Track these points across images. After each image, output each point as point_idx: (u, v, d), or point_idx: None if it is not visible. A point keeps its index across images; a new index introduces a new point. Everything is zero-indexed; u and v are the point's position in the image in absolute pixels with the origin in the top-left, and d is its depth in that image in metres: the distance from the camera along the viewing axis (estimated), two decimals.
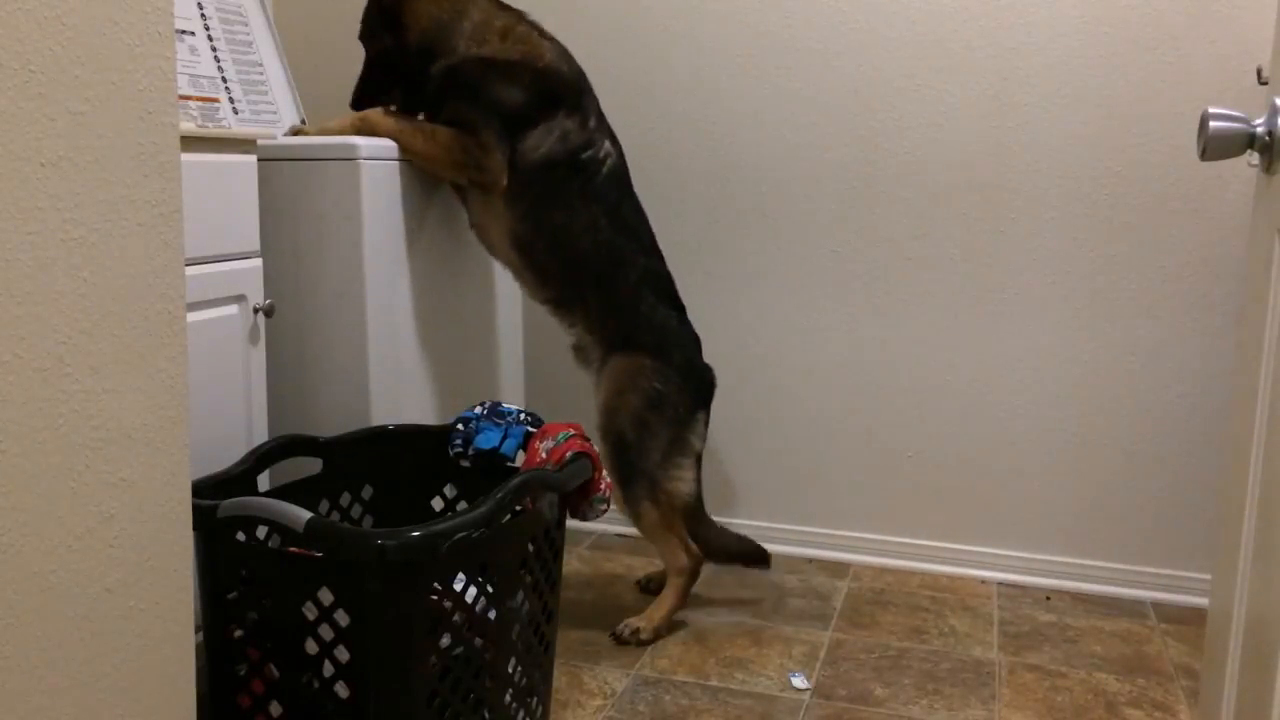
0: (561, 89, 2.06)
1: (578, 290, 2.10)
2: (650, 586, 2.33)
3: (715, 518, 2.26)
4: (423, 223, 2.06)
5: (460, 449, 1.82)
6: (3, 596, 0.93)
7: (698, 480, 2.18)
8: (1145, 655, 2.11)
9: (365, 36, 2.13)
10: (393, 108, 2.09)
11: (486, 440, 1.81)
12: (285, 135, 2.08)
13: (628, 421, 2.07)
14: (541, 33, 2.10)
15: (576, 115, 2.06)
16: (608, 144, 2.11)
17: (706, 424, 2.18)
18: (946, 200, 2.40)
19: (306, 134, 2.02)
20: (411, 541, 1.34)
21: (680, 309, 2.18)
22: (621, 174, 2.13)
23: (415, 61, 2.05)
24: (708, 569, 2.22)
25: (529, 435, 1.81)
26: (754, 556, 2.27)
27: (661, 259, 2.17)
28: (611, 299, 2.10)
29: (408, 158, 2.00)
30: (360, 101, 2.11)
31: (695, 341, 2.19)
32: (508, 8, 2.10)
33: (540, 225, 2.04)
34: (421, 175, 2.05)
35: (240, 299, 1.75)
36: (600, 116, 2.12)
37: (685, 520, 2.15)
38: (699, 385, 2.17)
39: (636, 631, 2.09)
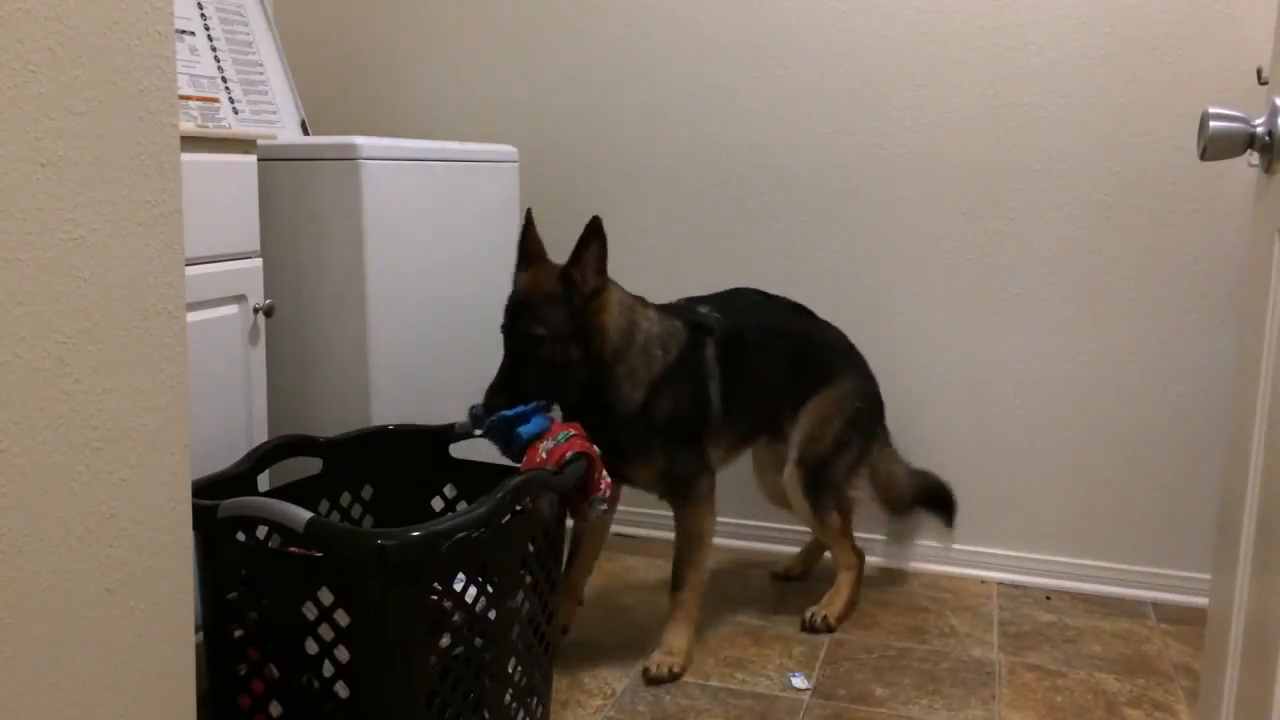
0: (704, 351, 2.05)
1: (782, 404, 2.20)
2: (790, 575, 2.45)
3: (721, 519, 2.20)
4: (423, 222, 2.06)
5: (481, 414, 1.81)
6: (3, 596, 0.93)
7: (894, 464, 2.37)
8: (1145, 655, 2.11)
9: (540, 336, 1.87)
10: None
11: (523, 424, 1.77)
12: None
13: (830, 443, 2.19)
14: (648, 314, 2.00)
15: (713, 343, 2.05)
16: (718, 314, 2.10)
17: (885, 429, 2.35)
18: (946, 200, 2.40)
19: None
20: (411, 541, 1.34)
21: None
22: (748, 322, 2.15)
23: (601, 372, 1.90)
24: (715, 573, 2.24)
25: (551, 424, 1.80)
26: (940, 499, 2.39)
27: (799, 311, 2.27)
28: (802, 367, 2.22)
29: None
30: (517, 398, 1.83)
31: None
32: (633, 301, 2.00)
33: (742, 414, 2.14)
34: (422, 175, 2.05)
35: (240, 299, 1.75)
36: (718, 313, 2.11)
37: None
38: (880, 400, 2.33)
39: (825, 619, 2.18)
